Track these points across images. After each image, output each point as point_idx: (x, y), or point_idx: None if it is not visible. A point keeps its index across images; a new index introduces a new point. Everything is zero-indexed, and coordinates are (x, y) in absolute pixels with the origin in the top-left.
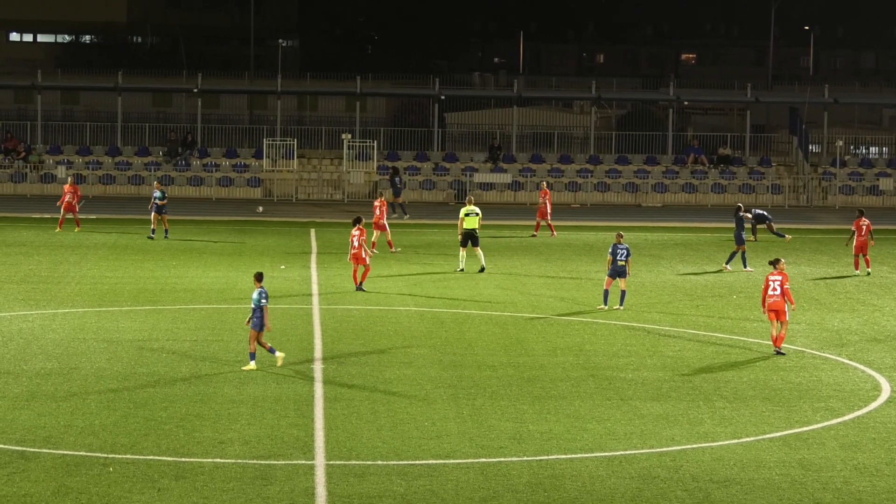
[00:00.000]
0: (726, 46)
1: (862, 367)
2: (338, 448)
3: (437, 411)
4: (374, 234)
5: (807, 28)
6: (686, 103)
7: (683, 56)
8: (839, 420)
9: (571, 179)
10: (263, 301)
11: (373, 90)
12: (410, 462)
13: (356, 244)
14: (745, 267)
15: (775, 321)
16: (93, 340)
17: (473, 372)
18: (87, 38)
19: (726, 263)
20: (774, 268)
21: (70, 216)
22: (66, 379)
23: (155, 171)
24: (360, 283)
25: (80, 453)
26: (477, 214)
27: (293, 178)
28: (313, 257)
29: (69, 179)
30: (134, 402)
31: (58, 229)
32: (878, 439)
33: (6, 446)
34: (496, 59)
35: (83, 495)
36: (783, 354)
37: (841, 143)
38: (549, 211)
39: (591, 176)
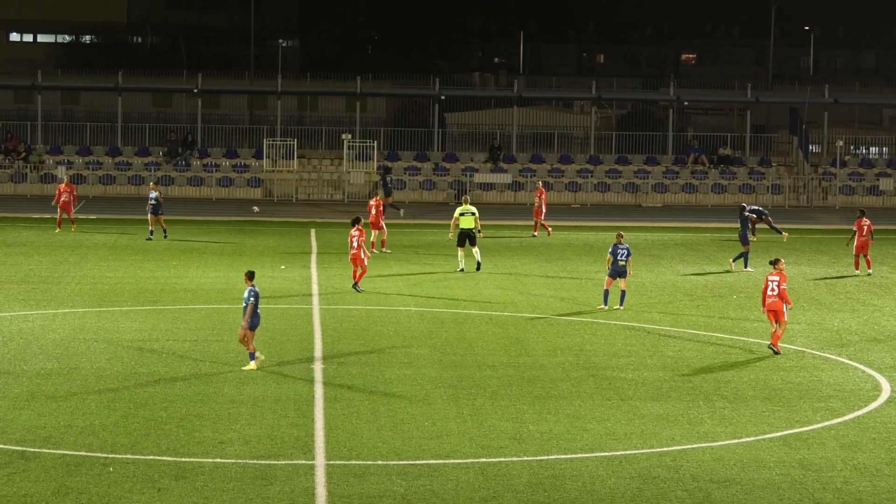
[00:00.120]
0: (726, 46)
1: (862, 367)
2: (338, 448)
3: (437, 411)
4: (373, 234)
5: (807, 28)
6: (686, 103)
7: (683, 56)
8: (839, 420)
9: (571, 179)
10: (251, 299)
11: (373, 90)
12: (411, 462)
13: (355, 245)
14: (745, 267)
15: (774, 321)
16: (93, 340)
17: (473, 372)
18: (88, 38)
19: (732, 261)
20: (774, 268)
21: (65, 216)
22: (66, 379)
23: (155, 171)
24: (356, 283)
25: (81, 453)
26: (473, 214)
27: (293, 178)
28: (313, 257)
29: (65, 179)
30: (134, 402)
31: (57, 229)
32: (879, 439)
33: (6, 446)
34: (496, 60)
35: (83, 495)
36: (777, 354)
37: (841, 143)
38: (543, 210)
39: (592, 176)
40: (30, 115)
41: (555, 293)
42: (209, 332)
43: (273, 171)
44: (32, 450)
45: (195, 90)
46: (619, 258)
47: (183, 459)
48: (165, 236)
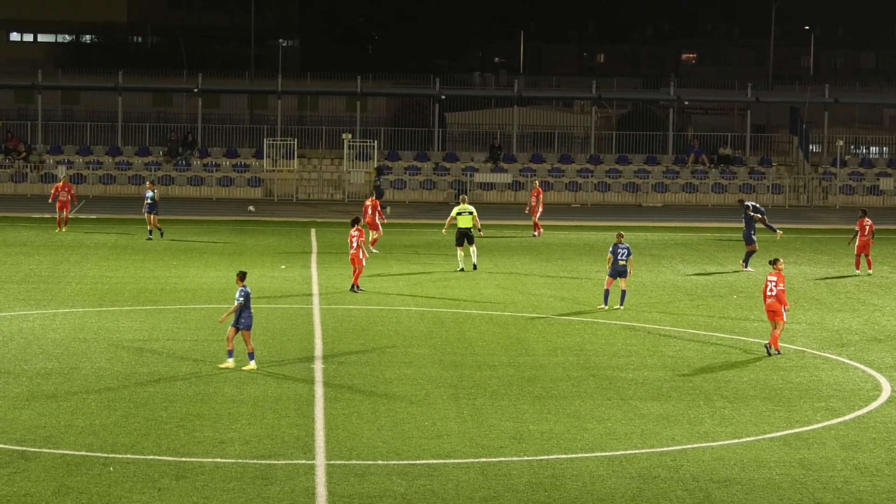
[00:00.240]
0: (726, 46)
1: (862, 366)
2: (338, 448)
3: (437, 411)
4: (371, 234)
5: (807, 28)
6: (686, 103)
7: (684, 56)
8: (840, 420)
9: (572, 179)
10: (240, 299)
11: (373, 90)
12: (411, 462)
13: (354, 245)
14: (746, 266)
15: (773, 322)
16: (93, 340)
17: (474, 372)
18: (88, 37)
19: (743, 263)
20: (773, 267)
21: (63, 214)
22: (66, 379)
23: (155, 170)
24: (354, 285)
25: (81, 453)
26: (471, 213)
27: (293, 177)
28: (313, 257)
29: (62, 178)
30: (134, 401)
31: (57, 229)
32: (879, 439)
33: (7, 446)
34: (497, 59)
35: (83, 495)
36: (772, 354)
37: (841, 142)
38: (539, 210)
39: (592, 176)
40: (30, 114)
41: (555, 293)
42: (209, 331)
43: (273, 170)
44: (33, 449)
45: (195, 90)
46: (619, 258)
47: (183, 459)
48: (161, 235)
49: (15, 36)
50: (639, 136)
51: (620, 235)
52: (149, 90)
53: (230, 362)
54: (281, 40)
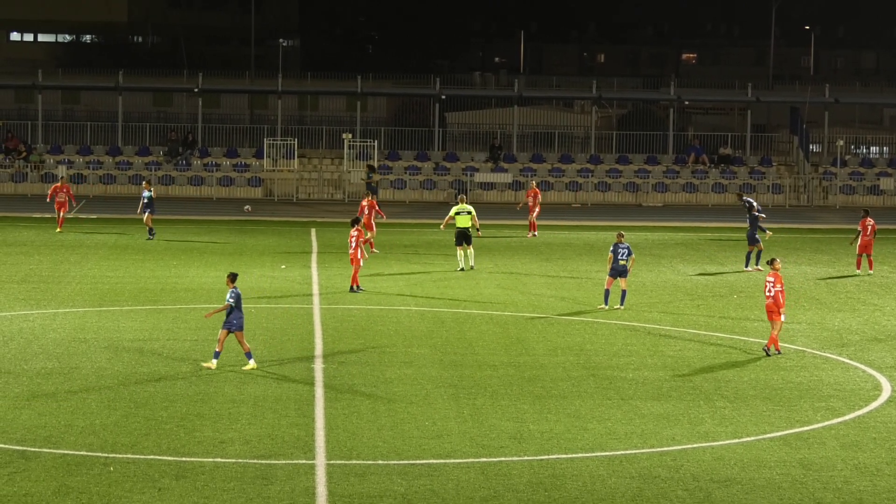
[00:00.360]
0: (727, 46)
1: (863, 366)
2: (338, 448)
3: (437, 411)
4: (370, 234)
5: (807, 28)
6: (687, 103)
7: (684, 56)
8: (840, 420)
9: (572, 179)
10: (231, 300)
11: (373, 90)
12: (411, 462)
13: (353, 245)
14: (746, 266)
15: (771, 321)
16: (93, 340)
17: (474, 371)
18: (88, 37)
19: (756, 265)
20: (770, 267)
21: (60, 214)
22: (66, 378)
23: (155, 170)
24: (352, 287)
25: (81, 453)
26: (469, 213)
27: (294, 177)
28: (314, 257)
29: (60, 178)
30: (135, 401)
31: (58, 229)
32: (879, 439)
33: (7, 446)
34: (497, 59)
35: (84, 495)
36: (769, 355)
37: (842, 142)
38: (536, 210)
39: (592, 175)
40: (30, 114)
41: (555, 293)
42: (210, 331)
43: (273, 170)
44: (33, 449)
45: (196, 90)
46: (619, 257)
47: (183, 459)
48: (151, 235)
49: (15, 36)
50: (639, 136)
51: (621, 235)
52: (149, 90)
53: (213, 363)
54: (281, 40)
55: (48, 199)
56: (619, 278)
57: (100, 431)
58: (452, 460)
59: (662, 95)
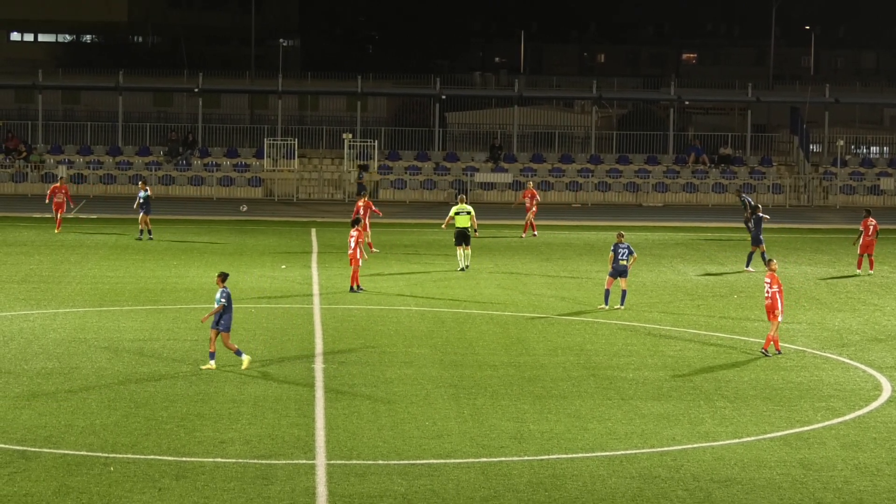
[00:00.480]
0: (727, 46)
1: (863, 366)
2: (339, 447)
3: (437, 411)
4: (368, 234)
5: (807, 28)
6: (687, 103)
7: (684, 56)
8: (840, 420)
9: (572, 179)
10: (222, 300)
11: (374, 90)
12: (411, 462)
13: (352, 245)
14: (747, 266)
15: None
16: (94, 340)
17: (474, 371)
18: (88, 37)
19: (765, 264)
20: (767, 268)
21: (58, 215)
22: (67, 378)
23: (156, 170)
24: (352, 285)
25: (81, 453)
26: (469, 213)
27: (294, 177)
28: (314, 257)
29: (60, 179)
30: (135, 401)
31: (56, 230)
32: (879, 439)
33: (7, 446)
34: (497, 59)
35: (84, 495)
36: (770, 355)
37: (842, 142)
38: (533, 210)
39: (592, 175)
40: (31, 114)
41: (555, 293)
42: (210, 331)
43: (274, 170)
44: (33, 449)
45: (196, 90)
46: (619, 257)
47: (183, 459)
48: (140, 237)
49: (15, 36)
50: (639, 136)
51: (621, 235)
52: (149, 90)
53: (211, 364)
54: (281, 40)
55: (47, 201)
56: (619, 278)
57: (100, 431)
58: (453, 460)
59: (663, 95)
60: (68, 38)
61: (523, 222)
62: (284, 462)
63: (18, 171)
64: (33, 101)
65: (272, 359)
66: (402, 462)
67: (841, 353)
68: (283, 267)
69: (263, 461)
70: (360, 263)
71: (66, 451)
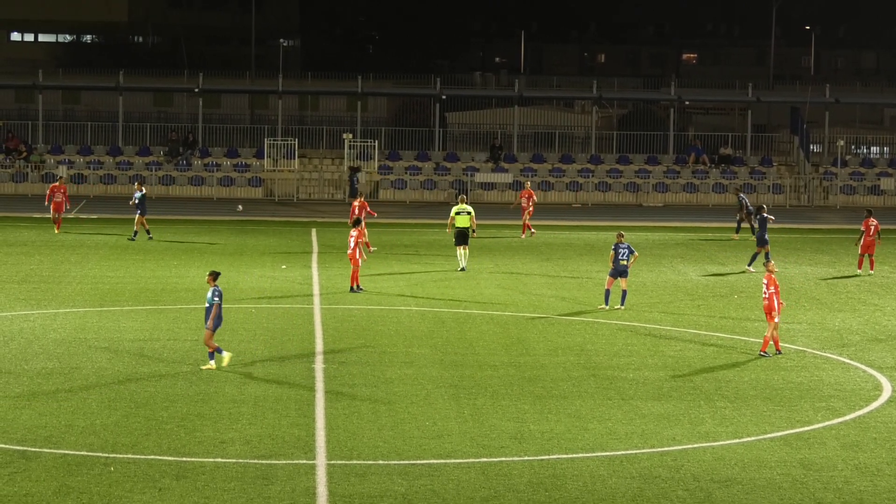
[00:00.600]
0: (727, 46)
1: (863, 366)
2: (339, 448)
3: (438, 411)
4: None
5: (807, 28)
6: (687, 103)
7: (684, 56)
8: (840, 420)
9: (572, 179)
10: (216, 300)
11: (374, 90)
12: (411, 462)
13: (352, 245)
14: (748, 265)
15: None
16: (94, 340)
17: (474, 371)
18: (88, 37)
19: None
20: (766, 269)
21: (57, 216)
22: (67, 378)
23: (156, 170)
24: (352, 286)
25: (82, 453)
26: (469, 213)
27: (294, 177)
28: (314, 257)
29: (59, 178)
30: (135, 401)
31: (56, 231)
32: (880, 439)
33: (7, 446)
34: (497, 59)
35: (84, 495)
36: (765, 356)
37: (842, 142)
38: (530, 210)
39: (592, 176)
40: (31, 114)
41: (556, 293)
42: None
43: (274, 170)
44: (33, 449)
45: (196, 90)
46: (620, 257)
47: (184, 459)
48: (134, 238)
49: (16, 36)
50: (639, 136)
51: (621, 235)
52: (149, 90)
53: (211, 364)
54: (281, 40)
55: (46, 202)
56: (619, 278)
57: (100, 431)
58: (453, 460)
59: (663, 95)
60: (68, 38)
61: (526, 222)
62: (284, 462)
63: (18, 171)
64: (33, 101)
65: (272, 359)
66: (402, 462)
67: (841, 354)
68: (284, 267)
69: (263, 461)
70: (360, 263)
71: (67, 451)
